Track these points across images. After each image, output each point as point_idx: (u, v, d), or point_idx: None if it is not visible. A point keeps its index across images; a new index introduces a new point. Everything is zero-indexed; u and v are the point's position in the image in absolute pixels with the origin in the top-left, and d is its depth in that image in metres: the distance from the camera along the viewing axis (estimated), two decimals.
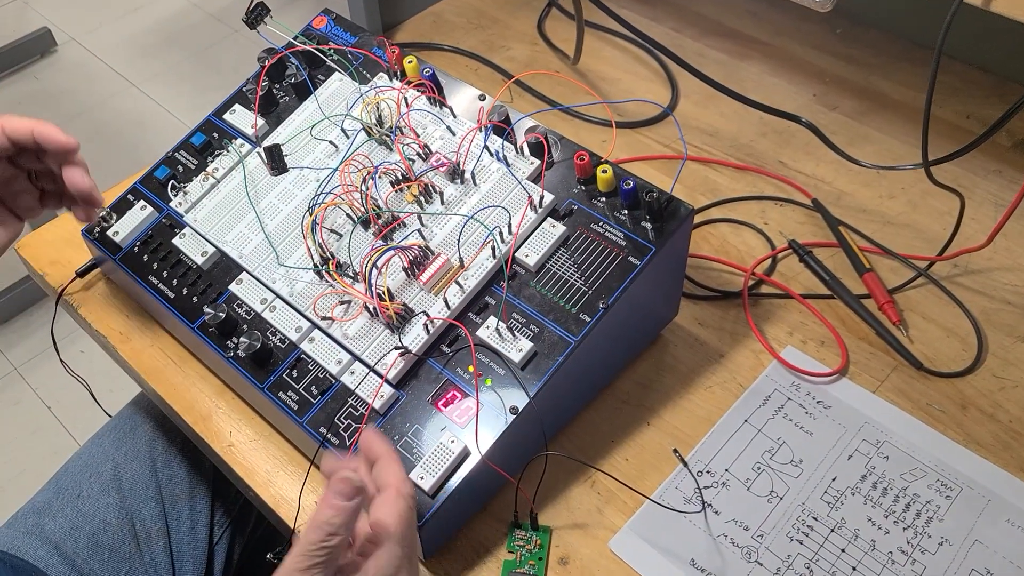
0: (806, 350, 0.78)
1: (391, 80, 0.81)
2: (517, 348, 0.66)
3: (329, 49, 0.83)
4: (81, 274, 0.84)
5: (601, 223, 0.70)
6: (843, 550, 0.65)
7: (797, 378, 0.76)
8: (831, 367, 0.76)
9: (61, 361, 0.87)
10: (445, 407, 0.66)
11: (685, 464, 0.70)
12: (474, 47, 1.11)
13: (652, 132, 0.99)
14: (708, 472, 0.70)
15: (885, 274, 0.83)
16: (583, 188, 0.72)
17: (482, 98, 0.78)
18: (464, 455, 0.63)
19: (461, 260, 0.69)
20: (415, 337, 0.67)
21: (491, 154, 0.74)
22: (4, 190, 0.71)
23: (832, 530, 0.66)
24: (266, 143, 0.77)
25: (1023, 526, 0.66)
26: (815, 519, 0.67)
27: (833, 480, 0.69)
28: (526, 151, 0.74)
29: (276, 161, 0.75)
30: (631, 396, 0.75)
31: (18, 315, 1.86)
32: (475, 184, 0.73)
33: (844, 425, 0.73)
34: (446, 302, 0.68)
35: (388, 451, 0.56)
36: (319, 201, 0.72)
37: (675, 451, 0.70)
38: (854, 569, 0.64)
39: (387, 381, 0.66)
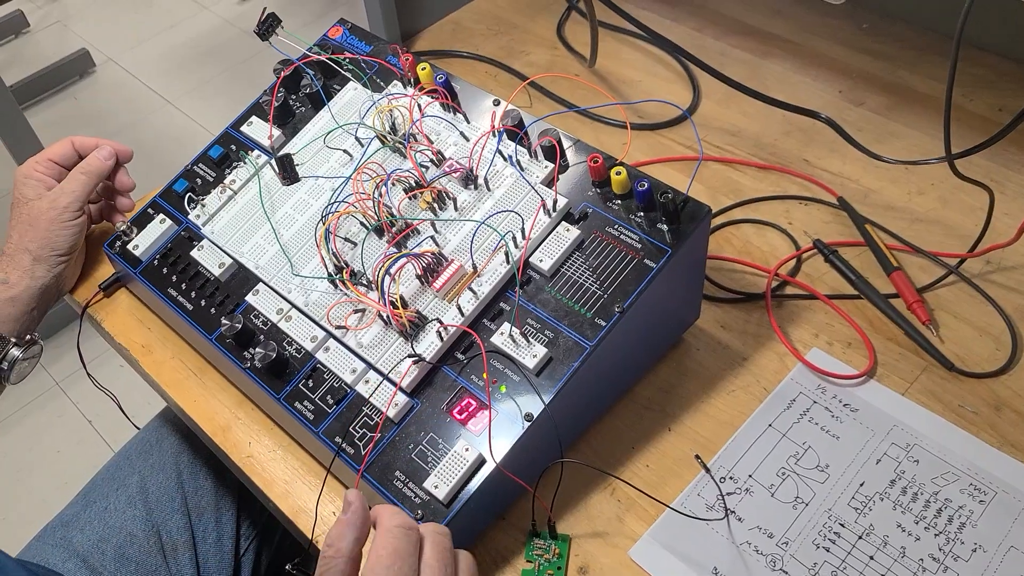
0: (832, 352, 0.76)
1: (405, 88, 0.81)
2: (531, 354, 0.65)
3: (344, 59, 0.84)
4: (105, 288, 0.85)
5: (616, 226, 0.69)
6: (871, 557, 0.63)
7: (823, 381, 0.74)
8: (858, 369, 0.74)
9: (88, 375, 0.88)
10: (460, 415, 0.65)
11: (707, 470, 0.68)
12: (493, 53, 1.11)
13: (673, 133, 0.98)
14: (731, 478, 0.69)
15: (914, 272, 0.80)
16: (598, 191, 0.71)
17: (496, 103, 0.78)
18: (479, 463, 0.62)
19: (474, 266, 0.69)
20: (429, 345, 0.67)
21: (504, 159, 0.73)
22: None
23: (860, 537, 0.64)
24: (277, 155, 0.78)
25: None
26: (842, 526, 0.65)
27: (861, 485, 0.67)
28: (540, 155, 0.73)
29: (288, 171, 0.75)
30: (652, 401, 0.74)
31: (60, 331, 1.90)
32: (488, 189, 0.72)
33: (872, 428, 0.71)
34: (460, 309, 0.67)
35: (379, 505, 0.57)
36: (332, 210, 0.72)
37: (697, 457, 0.69)
38: None
39: (401, 389, 0.66)
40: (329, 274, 0.71)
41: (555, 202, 0.70)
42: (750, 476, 0.69)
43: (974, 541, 0.63)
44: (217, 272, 0.76)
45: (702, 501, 0.68)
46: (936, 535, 0.64)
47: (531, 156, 0.74)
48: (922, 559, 0.63)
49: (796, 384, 0.74)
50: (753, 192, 0.90)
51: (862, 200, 0.87)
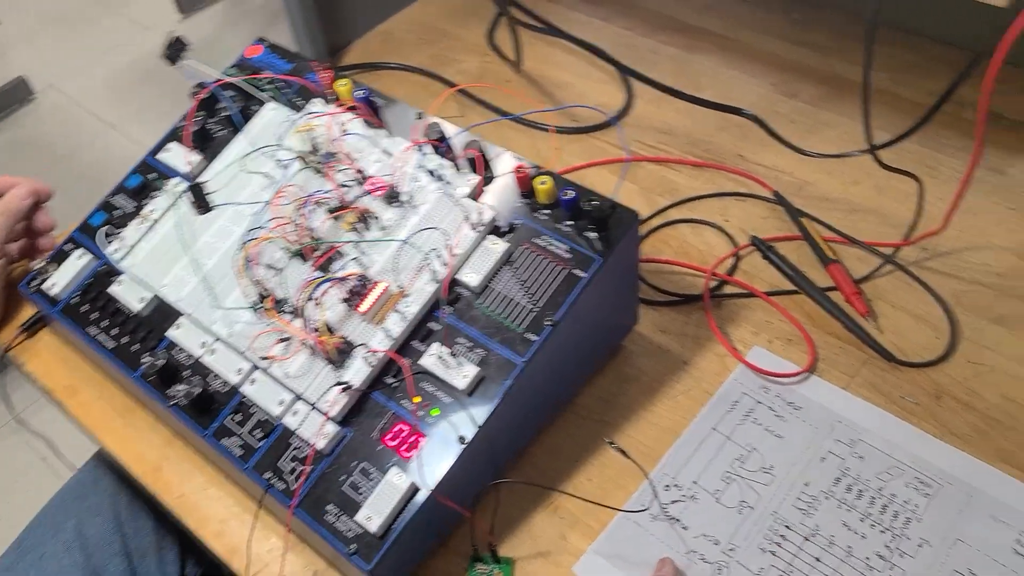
0: (773, 349, 0.75)
1: (327, 105, 0.79)
2: (462, 374, 0.63)
3: (262, 79, 0.81)
4: (27, 329, 0.82)
5: (544, 236, 0.67)
6: (818, 559, 0.62)
7: (765, 380, 0.73)
8: (800, 366, 0.73)
9: (15, 419, 0.85)
10: (392, 441, 0.63)
11: (623, 452, 0.67)
12: (424, 63, 1.09)
13: (608, 135, 0.96)
14: (676, 486, 0.68)
15: (852, 264, 0.80)
16: (525, 201, 0.69)
17: (419, 116, 0.76)
18: (412, 491, 0.61)
19: (400, 287, 0.67)
20: (357, 371, 0.65)
21: (428, 174, 0.72)
22: None
23: (806, 538, 0.63)
24: (190, 183, 0.75)
25: (1006, 520, 0.62)
26: (788, 528, 0.64)
27: (806, 485, 0.66)
28: (466, 167, 0.72)
29: (200, 200, 0.73)
30: (592, 412, 0.72)
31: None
32: (413, 206, 0.71)
33: (816, 426, 0.70)
34: (387, 332, 0.65)
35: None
36: (251, 237, 0.70)
37: (610, 443, 0.68)
38: None
39: (330, 419, 0.64)
40: (252, 303, 0.69)
41: (480, 215, 0.68)
42: (694, 482, 0.67)
43: (920, 536, 0.62)
44: (137, 307, 0.73)
45: (646, 512, 0.66)
46: (882, 532, 0.63)
47: (456, 169, 0.72)
48: (868, 557, 0.62)
49: (739, 385, 0.73)
50: (689, 191, 0.88)
51: (797, 192, 0.87)
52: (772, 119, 0.93)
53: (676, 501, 0.67)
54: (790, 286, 0.79)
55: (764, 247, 0.81)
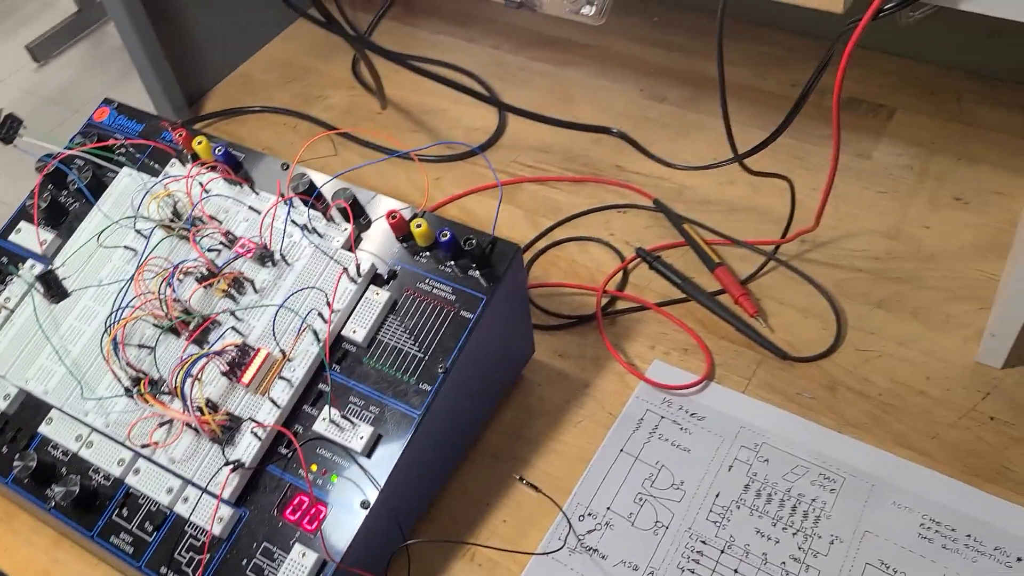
0: (671, 361, 0.75)
1: (185, 165, 0.75)
2: (357, 436, 0.61)
3: (114, 144, 0.77)
4: None
5: (427, 280, 0.66)
6: (736, 571, 0.62)
7: (666, 394, 0.73)
8: (698, 374, 0.73)
9: None
10: (293, 515, 0.60)
11: (535, 487, 0.66)
12: (289, 102, 1.05)
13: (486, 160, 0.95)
14: (590, 515, 0.67)
15: (737, 264, 0.81)
16: (404, 246, 0.68)
17: (285, 167, 0.73)
18: (319, 566, 0.58)
19: (283, 351, 0.64)
20: (247, 447, 0.62)
21: (301, 228, 0.69)
22: None
23: (722, 551, 0.63)
24: (38, 271, 0.71)
25: (908, 506, 0.64)
26: (704, 543, 0.64)
27: (716, 497, 0.66)
28: (339, 216, 0.69)
29: (52, 289, 0.68)
30: (501, 450, 0.71)
31: None
32: (288, 264, 0.68)
33: (720, 435, 0.70)
34: (275, 401, 0.63)
35: None
36: (116, 319, 0.66)
37: (520, 479, 0.67)
38: None
39: (223, 501, 0.61)
40: (126, 389, 0.65)
41: (358, 266, 0.66)
42: (608, 509, 0.67)
43: (830, 533, 0.63)
44: (2, 405, 0.68)
45: (564, 547, 0.65)
46: (794, 534, 0.64)
47: (329, 220, 0.69)
48: (784, 562, 0.62)
49: (641, 402, 0.73)
50: (571, 208, 0.88)
51: (677, 197, 0.87)
52: (643, 126, 0.94)
53: (592, 531, 0.66)
54: (680, 294, 0.79)
55: (650, 258, 0.81)
